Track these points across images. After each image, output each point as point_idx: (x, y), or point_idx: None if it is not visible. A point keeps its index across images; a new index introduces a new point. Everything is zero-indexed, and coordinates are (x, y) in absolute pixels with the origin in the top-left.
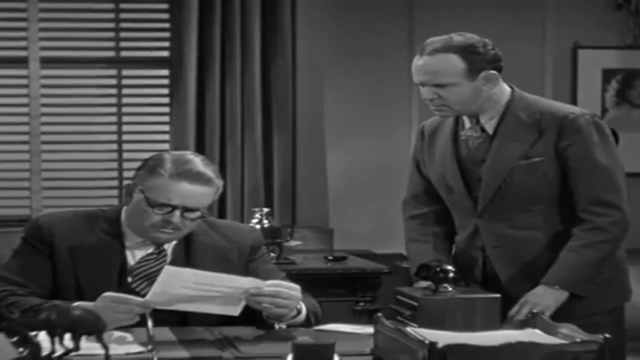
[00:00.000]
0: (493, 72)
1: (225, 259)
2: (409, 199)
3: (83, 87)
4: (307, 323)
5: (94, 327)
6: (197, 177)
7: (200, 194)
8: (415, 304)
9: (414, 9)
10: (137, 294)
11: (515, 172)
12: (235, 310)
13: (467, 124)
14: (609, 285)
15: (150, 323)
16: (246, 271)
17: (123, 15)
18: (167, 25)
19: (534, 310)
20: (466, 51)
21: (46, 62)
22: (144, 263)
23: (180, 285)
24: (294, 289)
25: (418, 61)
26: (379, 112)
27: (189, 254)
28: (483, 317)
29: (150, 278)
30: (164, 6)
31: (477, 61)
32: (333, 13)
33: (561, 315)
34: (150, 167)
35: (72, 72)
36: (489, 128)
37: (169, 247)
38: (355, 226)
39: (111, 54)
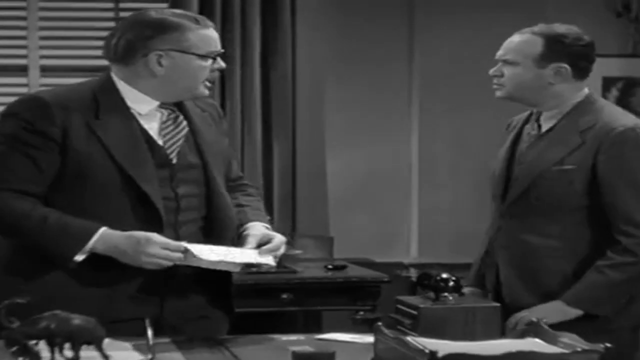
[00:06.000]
0: (565, 66)
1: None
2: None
3: None
4: None
5: (93, 336)
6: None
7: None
8: (415, 312)
9: (414, 15)
10: (169, 157)
11: (545, 176)
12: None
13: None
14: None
15: (150, 332)
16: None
17: None
18: None
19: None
20: (552, 38)
21: (46, 70)
22: (165, 129)
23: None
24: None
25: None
26: (379, 118)
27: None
28: (483, 326)
29: (178, 140)
30: None
31: (555, 50)
32: (333, 19)
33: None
34: (166, 27)
35: (72, 81)
36: (545, 127)
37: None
38: (355, 234)
39: None
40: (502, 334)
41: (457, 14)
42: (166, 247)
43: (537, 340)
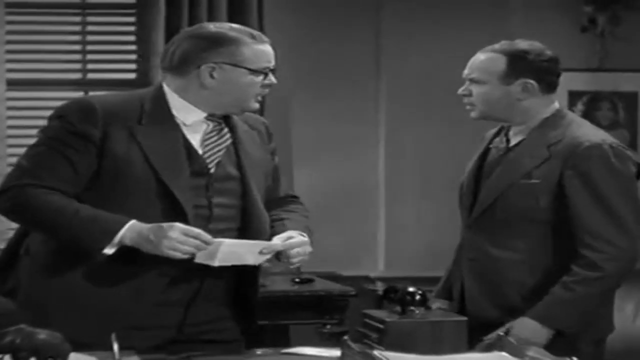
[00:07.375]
0: (532, 82)
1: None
2: None
3: (50, 109)
4: None
5: (58, 351)
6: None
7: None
8: (382, 326)
9: (381, 28)
10: (207, 166)
11: (512, 189)
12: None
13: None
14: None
15: (116, 346)
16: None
17: (90, 38)
18: (134, 47)
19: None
20: (514, 55)
21: (12, 84)
22: (208, 140)
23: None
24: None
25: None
26: (346, 132)
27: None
28: (450, 340)
29: (219, 151)
30: (131, 28)
31: (519, 66)
32: (300, 32)
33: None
34: (222, 41)
35: (39, 94)
36: (514, 141)
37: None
38: (322, 247)
39: (78, 75)
40: (469, 347)
41: (424, 27)
42: (187, 234)
43: (503, 354)
